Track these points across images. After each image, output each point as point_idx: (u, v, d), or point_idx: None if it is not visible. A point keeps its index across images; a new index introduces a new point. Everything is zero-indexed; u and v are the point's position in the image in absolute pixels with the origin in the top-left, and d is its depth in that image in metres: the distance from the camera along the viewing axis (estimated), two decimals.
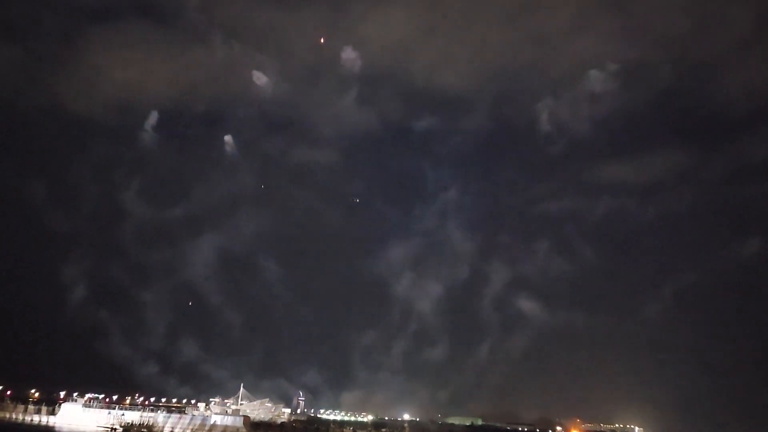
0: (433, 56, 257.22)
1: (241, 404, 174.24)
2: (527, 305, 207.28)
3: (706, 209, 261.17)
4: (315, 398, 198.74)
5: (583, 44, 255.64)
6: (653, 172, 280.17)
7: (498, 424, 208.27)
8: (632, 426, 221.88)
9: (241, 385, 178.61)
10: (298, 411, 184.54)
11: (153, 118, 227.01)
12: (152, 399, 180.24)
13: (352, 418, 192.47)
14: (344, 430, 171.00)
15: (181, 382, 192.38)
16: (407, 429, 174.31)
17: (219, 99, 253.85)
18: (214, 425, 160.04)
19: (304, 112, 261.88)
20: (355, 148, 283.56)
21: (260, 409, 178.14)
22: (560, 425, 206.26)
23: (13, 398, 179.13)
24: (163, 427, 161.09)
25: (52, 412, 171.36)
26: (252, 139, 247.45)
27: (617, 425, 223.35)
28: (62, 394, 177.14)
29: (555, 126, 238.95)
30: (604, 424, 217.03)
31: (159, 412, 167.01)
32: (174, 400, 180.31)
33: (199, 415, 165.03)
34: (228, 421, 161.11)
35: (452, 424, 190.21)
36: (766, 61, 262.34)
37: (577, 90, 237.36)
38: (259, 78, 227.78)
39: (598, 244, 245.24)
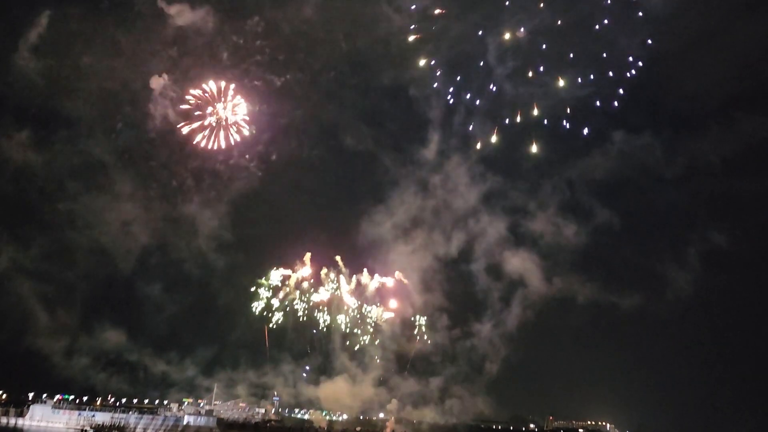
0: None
1: (214, 404, 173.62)
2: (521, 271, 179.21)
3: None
4: (293, 396, 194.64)
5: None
6: None
7: (471, 423, 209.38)
8: (604, 423, 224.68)
9: (215, 385, 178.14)
10: (273, 411, 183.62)
11: None
12: (123, 400, 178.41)
13: (328, 417, 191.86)
14: (319, 429, 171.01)
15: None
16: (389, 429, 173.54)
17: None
18: (187, 426, 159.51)
19: None
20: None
21: (234, 410, 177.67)
22: (533, 423, 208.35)
23: None
24: (135, 428, 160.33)
25: (21, 414, 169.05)
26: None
27: (590, 422, 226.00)
28: (31, 395, 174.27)
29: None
30: (576, 422, 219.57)
31: (131, 413, 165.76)
32: (146, 401, 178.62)
33: (171, 416, 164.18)
34: (201, 421, 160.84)
35: (425, 423, 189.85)
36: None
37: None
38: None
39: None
